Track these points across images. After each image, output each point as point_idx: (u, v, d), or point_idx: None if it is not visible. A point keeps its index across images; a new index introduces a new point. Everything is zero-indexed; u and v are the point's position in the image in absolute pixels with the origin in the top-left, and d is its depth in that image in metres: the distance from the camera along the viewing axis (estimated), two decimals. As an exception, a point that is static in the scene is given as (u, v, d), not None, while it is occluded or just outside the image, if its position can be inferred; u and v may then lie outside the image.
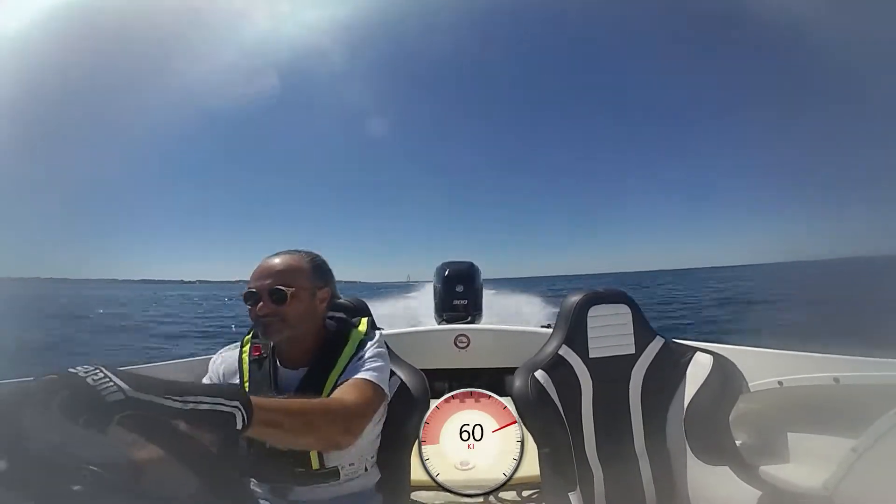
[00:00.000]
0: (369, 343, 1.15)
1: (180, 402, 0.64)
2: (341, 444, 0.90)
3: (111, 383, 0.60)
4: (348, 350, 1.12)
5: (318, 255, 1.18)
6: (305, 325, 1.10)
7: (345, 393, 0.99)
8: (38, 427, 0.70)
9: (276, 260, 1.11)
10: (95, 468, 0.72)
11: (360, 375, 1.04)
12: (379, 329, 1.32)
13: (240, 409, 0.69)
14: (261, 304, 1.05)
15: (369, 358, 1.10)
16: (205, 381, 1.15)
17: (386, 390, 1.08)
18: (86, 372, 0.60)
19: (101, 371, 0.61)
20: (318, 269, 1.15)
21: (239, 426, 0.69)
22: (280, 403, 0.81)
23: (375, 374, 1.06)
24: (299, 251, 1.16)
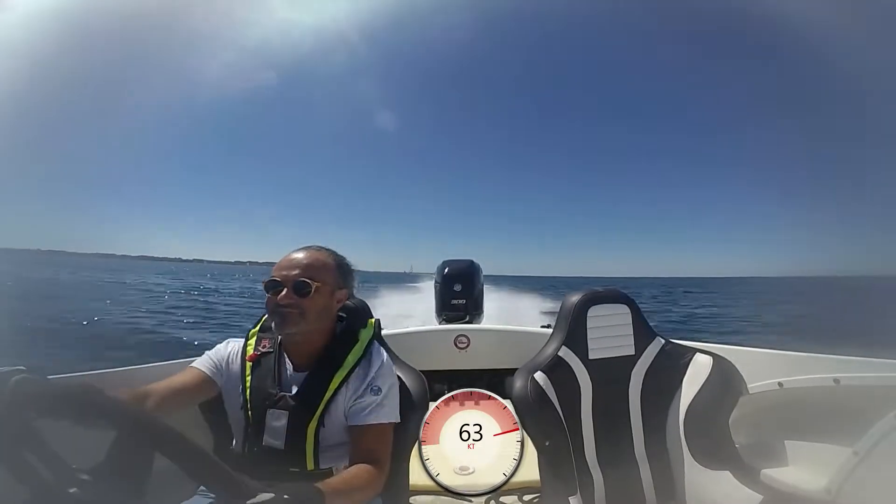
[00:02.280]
0: (377, 355, 1.15)
1: None
2: (372, 499, 1.00)
3: None
4: (357, 349, 1.13)
5: (343, 256, 1.19)
6: (320, 322, 1.11)
7: (372, 450, 1.03)
8: (38, 427, 0.70)
9: (304, 254, 1.11)
10: (89, 472, 0.72)
11: (383, 420, 1.06)
12: (382, 328, 1.32)
13: None
14: (283, 293, 1.05)
15: (386, 388, 1.10)
16: (210, 354, 1.15)
17: (398, 414, 1.11)
18: None
19: None
20: (342, 270, 1.16)
21: None
22: (342, 495, 0.84)
23: (389, 415, 1.08)
24: (326, 248, 1.17)
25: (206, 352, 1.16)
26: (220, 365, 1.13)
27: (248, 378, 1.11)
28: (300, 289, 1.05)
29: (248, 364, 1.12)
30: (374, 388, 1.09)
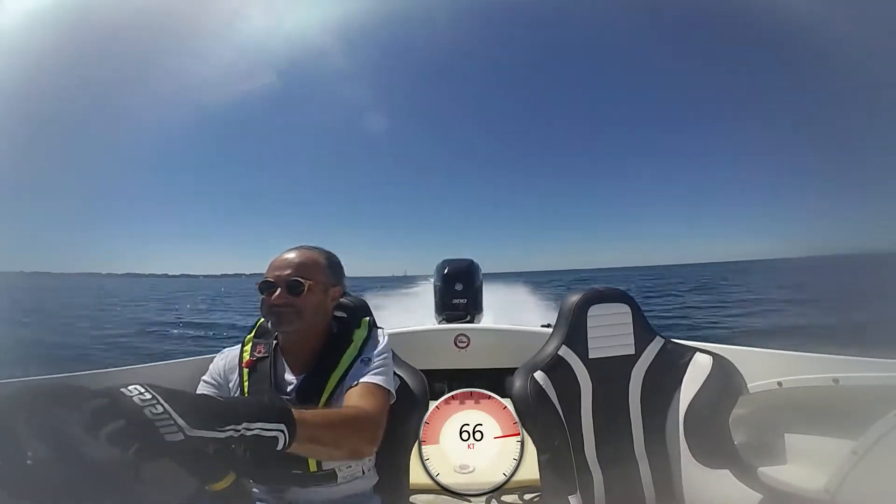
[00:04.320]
0: (372, 342, 1.16)
1: (231, 430, 0.63)
2: (364, 454, 0.94)
3: (170, 420, 0.57)
4: (351, 351, 1.13)
5: (333, 254, 1.21)
6: (316, 319, 1.12)
7: (362, 400, 0.99)
8: (37, 426, 0.70)
9: (295, 254, 1.14)
10: (91, 471, 0.72)
11: (371, 380, 1.05)
12: (380, 328, 1.31)
13: (283, 433, 0.69)
14: (277, 293, 1.07)
15: (376, 358, 1.10)
16: (206, 378, 1.16)
17: (393, 393, 1.09)
18: (142, 401, 0.57)
19: (158, 399, 0.58)
20: (334, 268, 1.18)
21: (280, 447, 0.69)
22: (316, 418, 0.80)
23: (384, 377, 1.07)
24: (317, 247, 1.18)
25: (202, 377, 1.17)
26: (219, 382, 1.15)
27: (246, 384, 1.11)
28: (293, 288, 1.07)
29: (245, 370, 1.13)
30: (365, 359, 1.10)
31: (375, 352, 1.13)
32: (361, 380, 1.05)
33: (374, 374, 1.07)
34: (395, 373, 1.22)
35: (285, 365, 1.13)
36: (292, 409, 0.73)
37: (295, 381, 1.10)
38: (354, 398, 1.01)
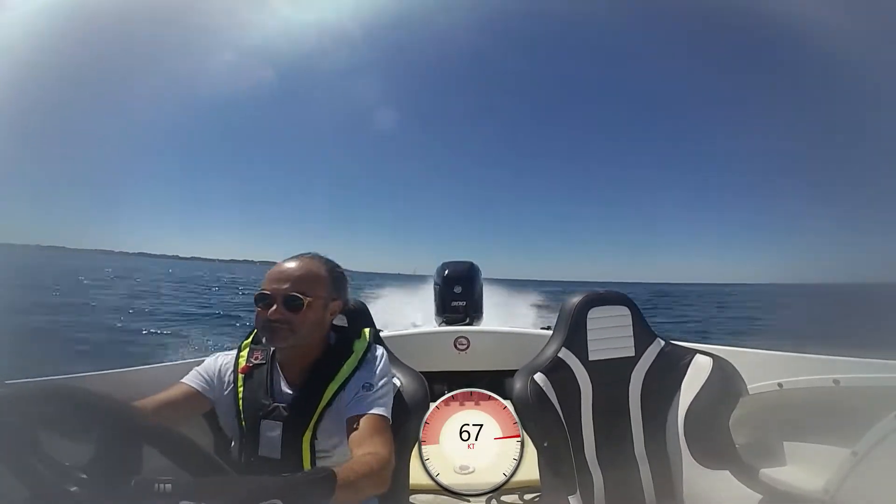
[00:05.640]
0: (371, 358, 1.13)
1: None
2: (380, 493, 0.93)
3: None
4: (351, 362, 1.10)
5: (337, 265, 1.16)
6: (312, 335, 1.08)
7: (373, 441, 0.97)
8: (36, 428, 0.70)
9: (296, 265, 1.08)
10: (89, 474, 0.72)
11: (376, 412, 1.02)
12: (380, 331, 1.30)
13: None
14: (273, 308, 1.02)
15: (379, 385, 1.07)
16: (199, 369, 1.12)
17: (390, 418, 1.07)
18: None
19: None
20: (336, 281, 1.13)
21: None
22: (345, 479, 0.79)
23: (386, 408, 1.05)
24: (319, 257, 1.13)
25: (195, 367, 1.13)
26: (212, 380, 1.11)
27: (241, 390, 1.09)
28: (291, 303, 1.02)
29: (241, 376, 1.11)
30: (367, 384, 1.07)
31: (377, 376, 1.09)
32: (366, 411, 1.02)
33: (378, 404, 1.04)
34: (394, 376, 1.21)
35: (282, 374, 1.11)
36: (337, 480, 0.74)
37: (291, 391, 1.08)
38: (364, 438, 0.97)
